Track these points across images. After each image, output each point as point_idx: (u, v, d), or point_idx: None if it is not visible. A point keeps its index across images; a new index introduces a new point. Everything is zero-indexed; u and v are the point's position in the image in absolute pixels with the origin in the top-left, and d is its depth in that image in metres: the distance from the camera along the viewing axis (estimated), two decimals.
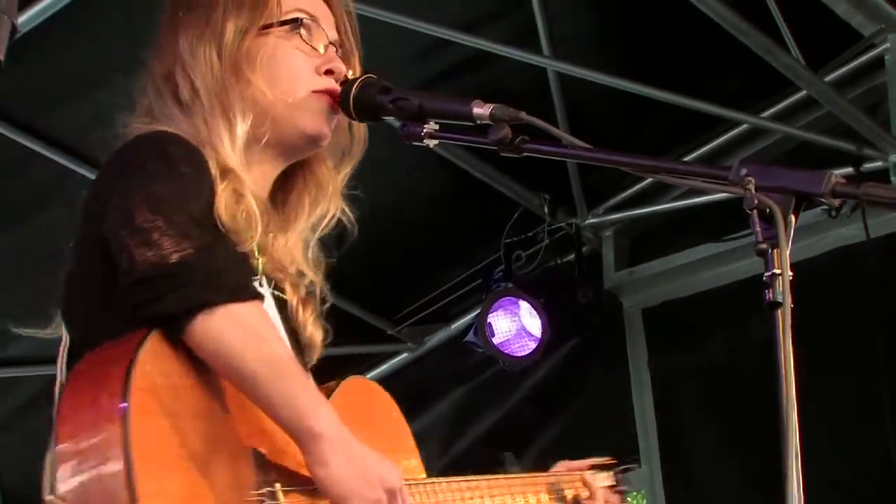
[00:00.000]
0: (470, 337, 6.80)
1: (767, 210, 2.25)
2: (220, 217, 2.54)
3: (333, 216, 2.87)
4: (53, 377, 2.60)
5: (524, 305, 6.79)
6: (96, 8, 5.10)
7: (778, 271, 2.20)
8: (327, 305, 2.86)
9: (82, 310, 2.63)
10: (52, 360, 2.65)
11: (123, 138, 2.80)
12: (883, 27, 5.99)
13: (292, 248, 2.81)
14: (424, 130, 2.67)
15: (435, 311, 7.14)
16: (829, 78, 6.14)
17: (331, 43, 2.84)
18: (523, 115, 2.56)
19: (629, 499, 3.28)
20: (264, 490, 2.42)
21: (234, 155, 2.67)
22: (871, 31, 6.02)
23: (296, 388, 2.39)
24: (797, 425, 2.14)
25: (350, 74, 2.84)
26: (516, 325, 6.80)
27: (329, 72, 2.79)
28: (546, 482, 3.18)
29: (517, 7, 5.84)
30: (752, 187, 2.29)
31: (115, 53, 5.33)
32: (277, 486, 2.43)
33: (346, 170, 2.91)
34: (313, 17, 2.84)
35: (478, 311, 6.81)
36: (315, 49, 2.81)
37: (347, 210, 2.90)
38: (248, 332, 2.38)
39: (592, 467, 3.34)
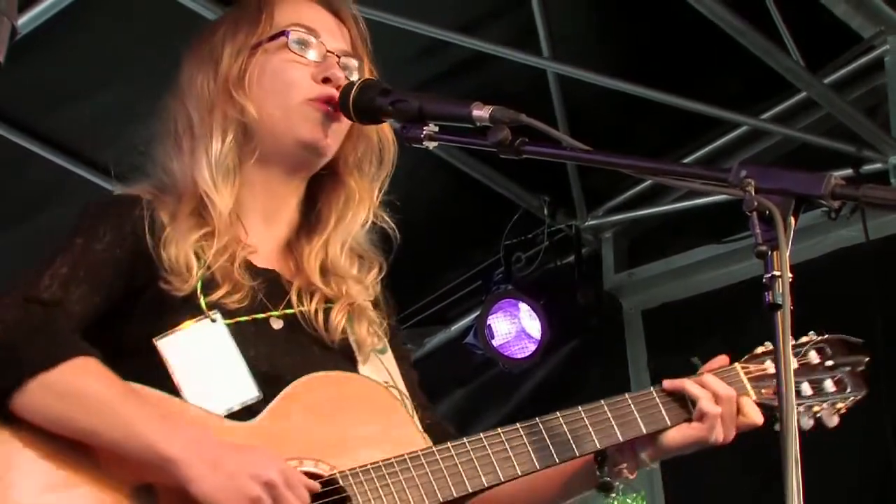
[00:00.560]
0: (470, 339, 6.79)
1: (767, 212, 2.25)
2: (160, 260, 2.68)
3: (367, 222, 2.91)
4: None
5: (524, 307, 6.79)
6: (96, 10, 5.10)
7: (777, 273, 2.20)
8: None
9: None
10: None
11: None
12: (882, 29, 5.99)
13: (329, 253, 2.86)
14: (424, 132, 2.67)
15: (434, 312, 7.13)
16: (828, 80, 6.13)
17: (330, 52, 2.85)
18: (523, 117, 2.56)
19: (628, 501, 3.22)
20: None
21: (215, 179, 2.76)
22: (871, 33, 6.01)
23: (135, 424, 2.49)
24: (797, 427, 2.14)
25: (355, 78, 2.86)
26: (516, 327, 6.79)
27: (326, 80, 2.80)
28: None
29: (517, 8, 5.83)
30: (751, 189, 2.29)
31: (114, 55, 5.35)
32: None
33: (380, 176, 2.94)
34: (311, 29, 2.87)
35: (477, 312, 6.81)
36: (311, 59, 2.83)
37: (384, 215, 2.94)
38: (67, 393, 2.50)
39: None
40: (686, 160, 6.51)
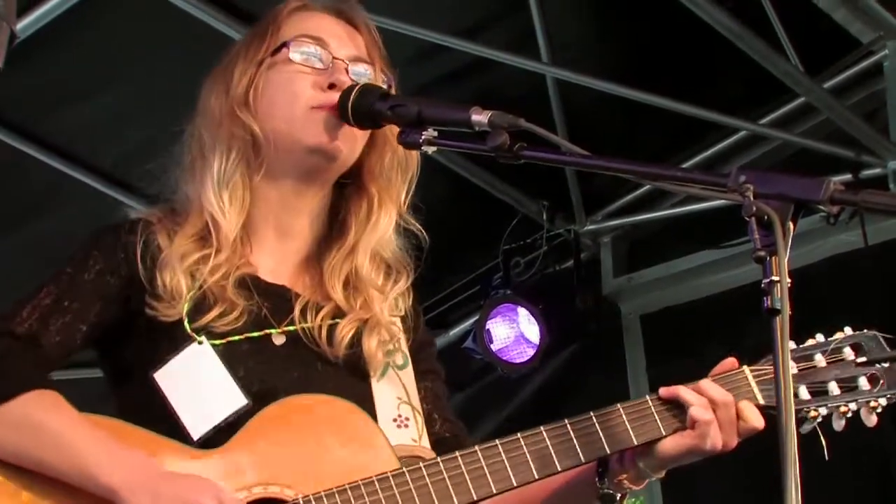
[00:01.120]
0: (468, 343, 6.79)
1: (766, 217, 2.24)
2: (151, 284, 2.73)
3: (391, 226, 2.90)
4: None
5: (522, 312, 6.78)
6: (95, 14, 5.10)
7: (776, 278, 2.20)
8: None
9: None
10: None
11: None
12: (881, 34, 5.99)
13: (356, 263, 2.86)
14: (423, 137, 2.67)
15: (433, 317, 7.13)
16: (827, 84, 6.14)
17: (337, 58, 2.85)
18: (522, 121, 2.55)
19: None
20: None
21: (219, 199, 2.78)
22: (870, 38, 6.02)
23: (81, 456, 2.55)
24: (795, 431, 2.14)
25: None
26: (515, 332, 6.79)
27: (332, 85, 2.80)
28: None
29: (516, 13, 5.83)
30: (750, 194, 2.28)
31: (112, 59, 5.35)
32: None
33: (405, 179, 2.93)
34: (317, 38, 2.87)
35: (476, 317, 6.81)
36: (316, 67, 2.83)
37: (410, 219, 2.94)
38: (21, 425, 2.58)
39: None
40: (685, 165, 6.51)
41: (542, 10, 5.79)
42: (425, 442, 2.83)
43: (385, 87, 2.87)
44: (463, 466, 2.66)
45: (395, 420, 2.81)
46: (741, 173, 2.33)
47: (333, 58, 2.85)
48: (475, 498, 2.65)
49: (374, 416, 2.77)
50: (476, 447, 2.69)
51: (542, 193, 6.81)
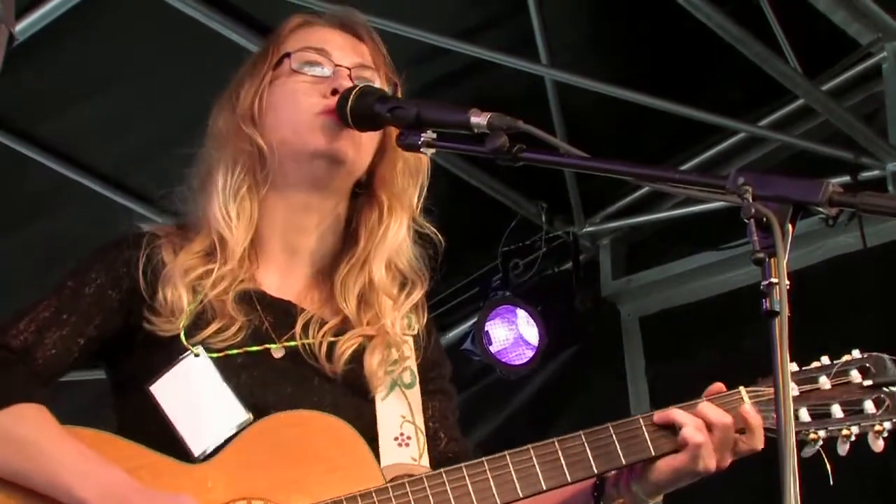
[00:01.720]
0: (467, 345, 6.78)
1: (765, 219, 2.24)
2: (152, 299, 2.74)
3: (402, 234, 2.90)
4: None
5: (521, 314, 6.78)
6: (94, 16, 5.10)
7: (775, 280, 2.20)
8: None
9: None
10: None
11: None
12: (880, 36, 5.99)
13: (371, 275, 2.86)
14: (422, 139, 2.67)
15: (432, 318, 7.12)
16: (826, 86, 6.14)
17: (339, 65, 2.85)
18: (521, 123, 2.56)
19: None
20: None
21: (226, 214, 2.79)
22: (869, 40, 6.02)
23: (58, 469, 2.58)
24: (794, 433, 2.13)
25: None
26: (514, 334, 6.78)
27: (335, 91, 2.80)
28: None
29: (515, 15, 5.83)
30: (749, 196, 2.28)
31: (112, 61, 5.34)
32: None
33: (416, 184, 2.94)
34: (319, 49, 2.88)
35: (475, 319, 6.80)
36: (319, 76, 2.84)
37: (425, 223, 2.94)
38: (3, 438, 2.61)
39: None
40: (684, 167, 6.51)
41: (542, 12, 5.79)
42: (425, 461, 2.83)
43: (391, 90, 2.88)
44: (447, 485, 2.66)
45: (396, 438, 2.81)
46: (740, 175, 2.33)
47: (336, 65, 2.86)
48: None
49: (375, 433, 2.77)
50: (462, 465, 2.68)
51: (540, 195, 6.81)
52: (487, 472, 2.67)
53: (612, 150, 5.43)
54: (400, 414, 2.83)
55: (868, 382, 2.76)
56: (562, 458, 2.69)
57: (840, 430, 2.72)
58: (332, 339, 2.80)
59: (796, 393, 2.73)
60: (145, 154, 5.54)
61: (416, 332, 2.93)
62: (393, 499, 2.63)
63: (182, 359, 2.71)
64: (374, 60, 2.93)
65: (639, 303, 7.13)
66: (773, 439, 2.71)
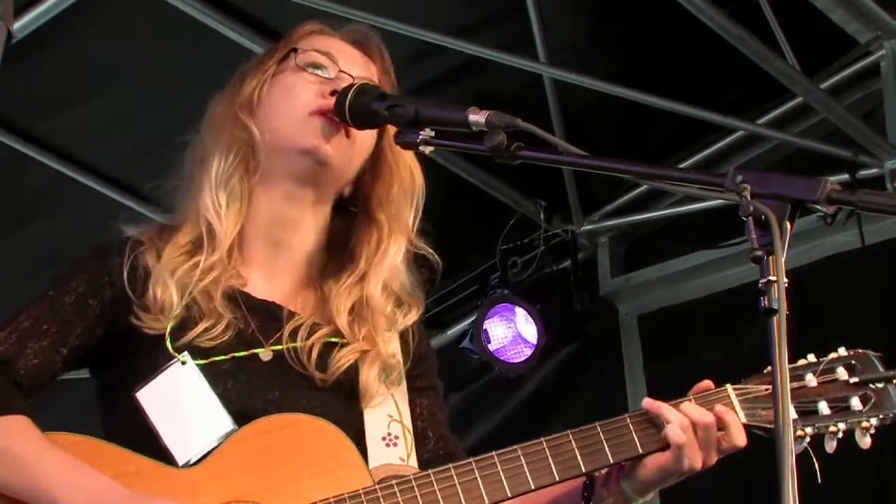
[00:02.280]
0: (466, 343, 6.78)
1: (763, 217, 2.24)
2: (139, 299, 2.73)
3: (400, 256, 2.91)
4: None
5: (520, 312, 6.78)
6: (92, 15, 5.10)
7: (773, 278, 2.20)
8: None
9: None
10: None
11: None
12: (879, 34, 5.99)
13: (366, 292, 2.85)
14: (420, 137, 2.66)
15: (430, 317, 7.13)
16: (824, 85, 6.14)
17: (342, 71, 2.85)
18: (519, 121, 2.55)
19: None
20: None
21: (217, 200, 2.78)
22: (867, 38, 6.02)
23: (44, 481, 2.57)
24: (793, 435, 2.14)
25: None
26: (512, 332, 6.78)
27: (335, 92, 2.80)
28: None
29: (513, 13, 5.83)
30: (747, 194, 2.28)
31: (110, 60, 5.34)
32: None
33: (411, 206, 2.94)
34: (326, 53, 2.89)
35: (473, 317, 6.80)
36: (322, 76, 2.85)
37: (422, 245, 2.95)
38: None
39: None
40: (682, 165, 6.51)
41: (540, 10, 5.79)
42: (413, 461, 2.83)
43: None
44: (435, 484, 2.66)
45: (384, 438, 2.81)
46: (738, 173, 2.33)
47: (340, 70, 2.86)
48: None
49: (362, 433, 2.77)
50: (450, 465, 2.68)
51: (539, 193, 6.81)
52: (475, 471, 2.67)
53: (610, 148, 5.44)
54: (387, 413, 2.83)
55: (854, 379, 2.76)
56: (550, 458, 2.69)
57: (827, 426, 2.73)
58: (325, 342, 2.80)
59: (815, 384, 2.75)
60: (144, 152, 5.53)
61: (402, 328, 2.92)
62: (381, 499, 2.63)
63: (168, 366, 2.70)
64: (380, 81, 2.94)
65: (637, 301, 7.13)
66: (761, 437, 2.74)
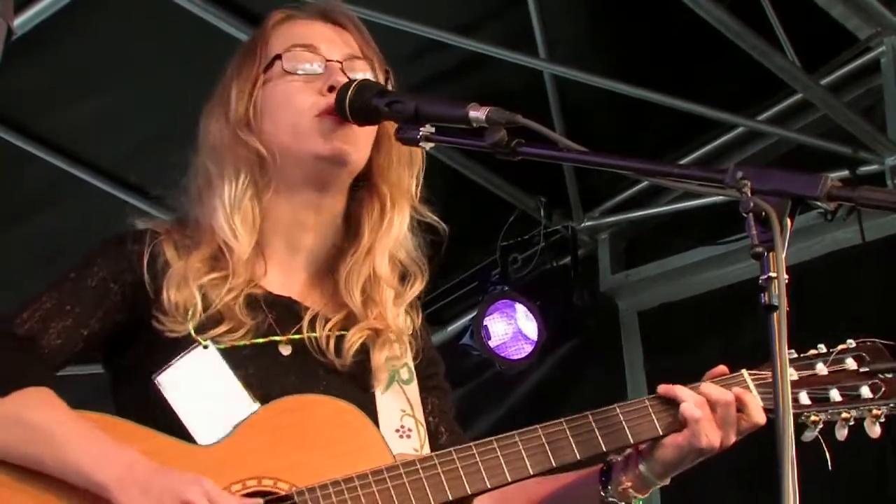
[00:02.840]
0: (466, 340, 6.78)
1: (763, 213, 2.25)
2: (157, 295, 2.74)
3: (405, 225, 2.90)
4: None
5: (520, 308, 6.78)
6: (93, 11, 5.10)
7: (774, 274, 2.20)
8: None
9: None
10: None
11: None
12: (879, 30, 6.00)
13: (375, 266, 2.86)
14: (420, 133, 2.67)
15: (430, 313, 7.11)
16: (824, 81, 6.14)
17: (330, 60, 2.84)
18: (519, 118, 2.55)
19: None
20: None
21: (232, 225, 2.78)
22: (867, 35, 6.02)
23: (72, 453, 2.57)
24: (792, 433, 2.14)
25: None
26: (512, 328, 6.78)
27: (332, 88, 2.80)
28: None
29: (513, 9, 5.83)
30: (747, 190, 2.29)
31: (111, 57, 5.34)
32: None
33: (413, 174, 2.93)
34: (307, 45, 2.87)
35: (474, 313, 6.80)
36: (312, 74, 2.84)
37: (426, 213, 2.94)
38: (14, 422, 2.59)
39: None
40: (682, 161, 6.51)
41: (540, 6, 5.79)
42: (427, 452, 2.82)
43: (384, 78, 2.88)
44: (458, 461, 2.67)
45: (397, 430, 2.82)
46: (739, 170, 2.33)
47: (327, 61, 2.85)
48: (469, 492, 2.66)
49: (377, 424, 2.77)
50: (472, 444, 2.70)
51: (539, 190, 6.81)
52: (497, 450, 2.68)
53: (610, 144, 5.44)
54: (400, 408, 2.85)
55: (864, 369, 2.78)
56: (570, 438, 2.70)
57: (839, 413, 2.74)
58: (339, 332, 2.82)
59: (795, 377, 2.76)
60: (145, 149, 5.53)
61: (412, 331, 2.94)
62: (404, 475, 2.64)
63: (190, 350, 2.71)
64: (362, 49, 2.92)
65: (637, 297, 7.13)
66: (762, 432, 2.75)
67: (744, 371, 2.80)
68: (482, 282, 6.97)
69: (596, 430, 2.71)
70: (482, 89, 5.86)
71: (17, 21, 4.38)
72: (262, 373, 2.74)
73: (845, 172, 6.13)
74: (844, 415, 2.75)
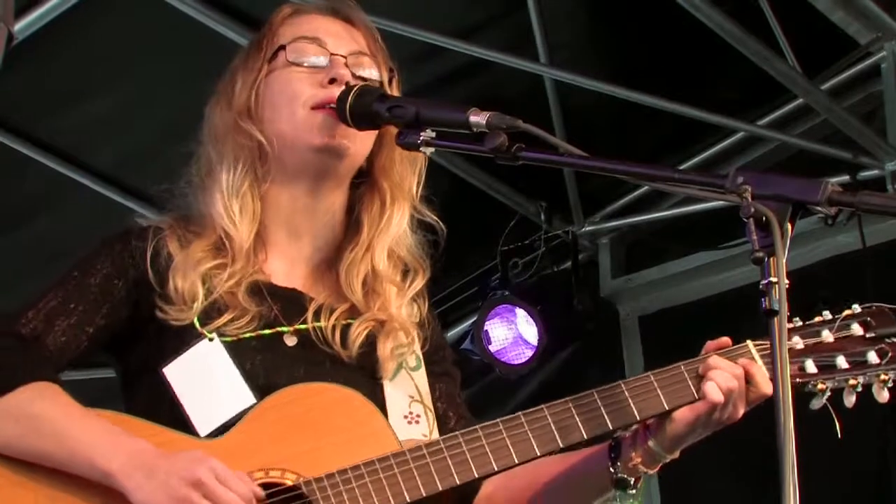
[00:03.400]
0: (466, 345, 6.79)
1: (764, 218, 2.25)
2: (162, 288, 2.75)
3: (404, 222, 2.92)
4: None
5: (521, 313, 6.78)
6: (94, 16, 5.10)
7: (774, 279, 2.20)
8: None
9: None
10: None
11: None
12: (879, 35, 5.99)
13: (374, 262, 2.88)
14: (421, 138, 2.68)
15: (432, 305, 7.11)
16: (825, 86, 6.14)
17: (335, 54, 2.85)
18: (520, 123, 2.56)
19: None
20: None
21: (230, 211, 2.80)
22: (868, 40, 6.02)
23: (79, 444, 2.58)
24: (793, 430, 2.14)
25: (370, 76, 2.87)
26: (513, 333, 6.78)
27: (333, 80, 2.80)
28: None
29: (514, 14, 5.83)
30: (748, 195, 2.29)
31: (111, 61, 5.35)
32: None
33: (414, 171, 2.94)
34: (313, 38, 2.88)
35: (474, 318, 6.81)
36: (315, 66, 2.84)
37: (425, 211, 2.95)
38: (21, 417, 2.61)
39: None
40: (683, 166, 6.51)
41: (540, 11, 5.79)
42: (436, 437, 2.83)
43: (388, 77, 2.89)
44: (464, 445, 2.68)
45: (405, 417, 2.83)
46: (739, 174, 2.33)
47: (332, 55, 2.86)
48: (476, 475, 2.68)
49: (384, 412, 2.78)
50: (478, 426, 2.71)
51: (540, 194, 6.81)
52: (503, 432, 2.70)
53: (611, 149, 5.42)
54: (408, 394, 2.86)
55: (871, 334, 2.75)
56: (576, 417, 2.73)
57: (846, 379, 2.72)
58: (345, 322, 2.83)
59: (801, 346, 2.74)
60: (144, 153, 5.54)
61: (418, 319, 2.95)
62: (411, 461, 2.65)
63: (196, 342, 2.73)
64: (368, 46, 2.94)
65: (638, 302, 7.13)
66: (762, 422, 2.74)
67: (748, 342, 2.79)
68: (482, 286, 6.97)
69: (602, 407, 2.73)
70: (483, 94, 5.87)
71: (18, 26, 4.38)
72: (269, 364, 2.75)
73: (846, 177, 6.13)
74: (852, 381, 2.73)
